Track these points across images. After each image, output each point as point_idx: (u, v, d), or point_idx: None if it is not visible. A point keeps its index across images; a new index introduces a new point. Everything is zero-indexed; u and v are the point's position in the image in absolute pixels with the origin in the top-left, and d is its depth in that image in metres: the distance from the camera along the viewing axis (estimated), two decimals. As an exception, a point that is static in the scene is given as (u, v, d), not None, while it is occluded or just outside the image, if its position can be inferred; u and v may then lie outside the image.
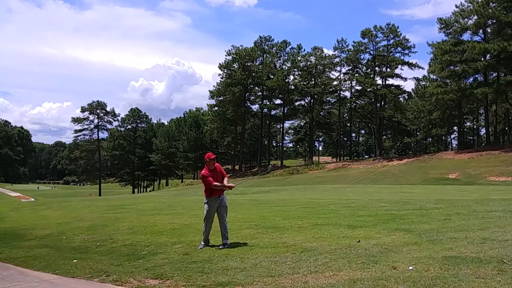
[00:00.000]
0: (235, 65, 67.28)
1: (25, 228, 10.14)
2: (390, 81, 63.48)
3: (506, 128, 62.71)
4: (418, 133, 75.79)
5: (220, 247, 6.33)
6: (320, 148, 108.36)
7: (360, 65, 64.60)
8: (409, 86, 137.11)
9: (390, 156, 67.98)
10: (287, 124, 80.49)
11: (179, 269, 5.21)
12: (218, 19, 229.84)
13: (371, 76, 62.43)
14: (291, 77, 67.24)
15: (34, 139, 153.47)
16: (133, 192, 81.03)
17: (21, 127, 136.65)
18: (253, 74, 66.26)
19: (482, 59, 47.74)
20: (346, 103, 69.36)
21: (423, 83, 62.74)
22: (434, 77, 55.72)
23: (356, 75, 63.28)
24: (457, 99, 52.51)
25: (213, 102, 70.00)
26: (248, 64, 66.68)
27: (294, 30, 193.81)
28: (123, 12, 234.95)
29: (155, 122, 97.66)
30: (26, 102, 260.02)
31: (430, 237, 6.08)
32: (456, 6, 50.01)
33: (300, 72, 66.96)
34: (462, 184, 29.99)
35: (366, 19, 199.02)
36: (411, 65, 61.13)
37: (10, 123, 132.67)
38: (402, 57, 61.23)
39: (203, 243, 6.60)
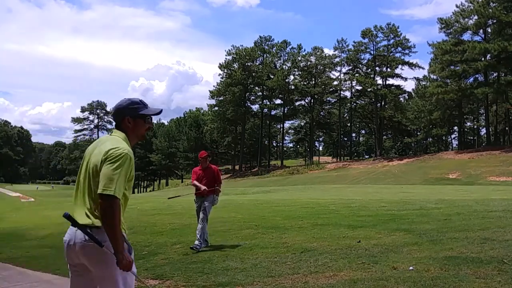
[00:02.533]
0: (235, 65, 67.30)
1: (25, 228, 10.14)
2: (391, 81, 63.64)
3: (507, 128, 62.70)
4: (418, 133, 75.72)
5: (191, 247, 6.22)
6: (320, 148, 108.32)
7: (360, 65, 64.65)
8: (409, 86, 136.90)
9: (390, 156, 67.96)
10: (287, 124, 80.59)
11: (179, 269, 5.20)
12: (218, 19, 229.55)
13: (371, 76, 62.45)
14: (291, 77, 67.34)
15: (34, 139, 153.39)
16: (133, 192, 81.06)
17: (21, 127, 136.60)
18: (253, 74, 66.27)
19: (483, 59, 47.74)
20: (346, 103, 69.36)
21: (423, 83, 62.76)
22: (435, 77, 55.77)
23: (356, 75, 63.31)
24: (457, 99, 52.52)
25: (213, 102, 70.07)
26: (248, 64, 66.70)
27: (294, 30, 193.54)
28: (123, 12, 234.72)
29: (155, 122, 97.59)
30: (26, 102, 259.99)
31: (430, 237, 6.07)
32: (457, 6, 50.12)
33: (300, 72, 66.99)
34: (463, 184, 29.98)
35: (366, 19, 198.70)
36: (411, 65, 61.21)
37: (10, 123, 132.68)
38: (402, 57, 61.36)
39: (200, 245, 6.50)
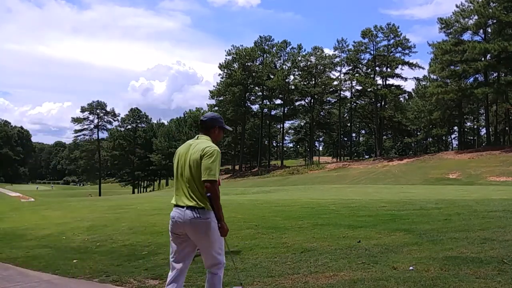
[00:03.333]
0: (235, 65, 67.28)
1: (25, 228, 10.12)
2: (391, 81, 63.64)
3: (507, 128, 62.71)
4: (418, 133, 75.76)
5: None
6: (320, 148, 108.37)
7: (360, 65, 64.63)
8: (409, 86, 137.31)
9: (390, 156, 67.98)
10: (287, 124, 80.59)
11: (179, 269, 5.19)
12: (218, 19, 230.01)
13: (372, 76, 62.44)
14: (291, 77, 67.32)
15: (34, 139, 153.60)
16: (133, 192, 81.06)
17: (21, 127, 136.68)
18: (253, 74, 66.25)
19: (483, 59, 47.74)
20: (346, 103, 69.36)
21: (423, 83, 62.77)
22: (435, 77, 55.75)
23: (356, 75, 63.29)
24: (457, 99, 52.52)
25: (213, 102, 70.06)
26: (248, 64, 66.68)
27: (294, 30, 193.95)
28: (123, 12, 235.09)
29: (155, 122, 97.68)
30: (26, 102, 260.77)
31: (430, 237, 6.07)
32: (457, 6, 50.10)
33: (300, 72, 66.97)
34: (463, 184, 29.96)
35: (366, 19, 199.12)
36: (411, 65, 61.20)
37: (10, 123, 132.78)
38: (402, 57, 61.34)
39: None
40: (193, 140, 3.30)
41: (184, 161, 3.17)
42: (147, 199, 20.23)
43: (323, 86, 65.99)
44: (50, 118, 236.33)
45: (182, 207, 3.12)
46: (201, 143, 3.19)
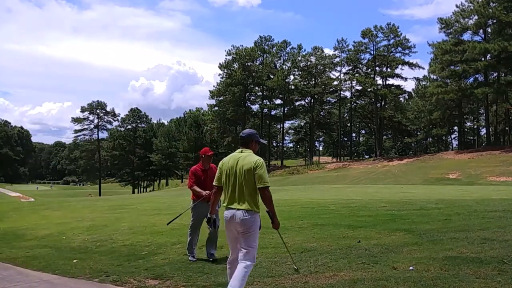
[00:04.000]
0: (235, 65, 67.20)
1: (25, 228, 10.12)
2: (391, 81, 63.57)
3: (507, 128, 62.69)
4: (418, 133, 75.73)
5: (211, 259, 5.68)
6: (320, 148, 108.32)
7: (360, 65, 64.58)
8: (409, 86, 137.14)
9: (390, 156, 67.96)
10: (287, 124, 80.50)
11: (179, 269, 5.20)
12: (218, 19, 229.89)
13: (372, 76, 62.41)
14: (291, 77, 67.23)
15: (34, 139, 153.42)
16: (133, 192, 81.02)
17: (21, 127, 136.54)
18: (253, 74, 66.18)
19: (483, 59, 47.71)
20: (346, 103, 69.31)
21: (423, 83, 62.73)
22: (435, 77, 55.72)
23: (356, 75, 63.25)
24: (457, 99, 52.49)
25: (213, 102, 70.00)
26: (248, 64, 66.60)
27: (294, 30, 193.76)
28: (123, 12, 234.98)
29: (155, 122, 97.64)
30: (26, 102, 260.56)
31: (430, 237, 6.07)
32: (457, 6, 50.06)
33: (300, 72, 66.93)
34: (463, 184, 29.93)
35: (366, 19, 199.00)
36: (411, 65, 61.16)
37: (10, 123, 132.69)
38: (402, 57, 61.28)
39: (193, 256, 5.79)
40: (237, 153, 3.88)
41: (235, 171, 3.76)
42: (147, 199, 20.22)
43: (323, 86, 65.94)
44: (50, 118, 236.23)
45: (234, 209, 3.75)
46: (250, 156, 3.79)
